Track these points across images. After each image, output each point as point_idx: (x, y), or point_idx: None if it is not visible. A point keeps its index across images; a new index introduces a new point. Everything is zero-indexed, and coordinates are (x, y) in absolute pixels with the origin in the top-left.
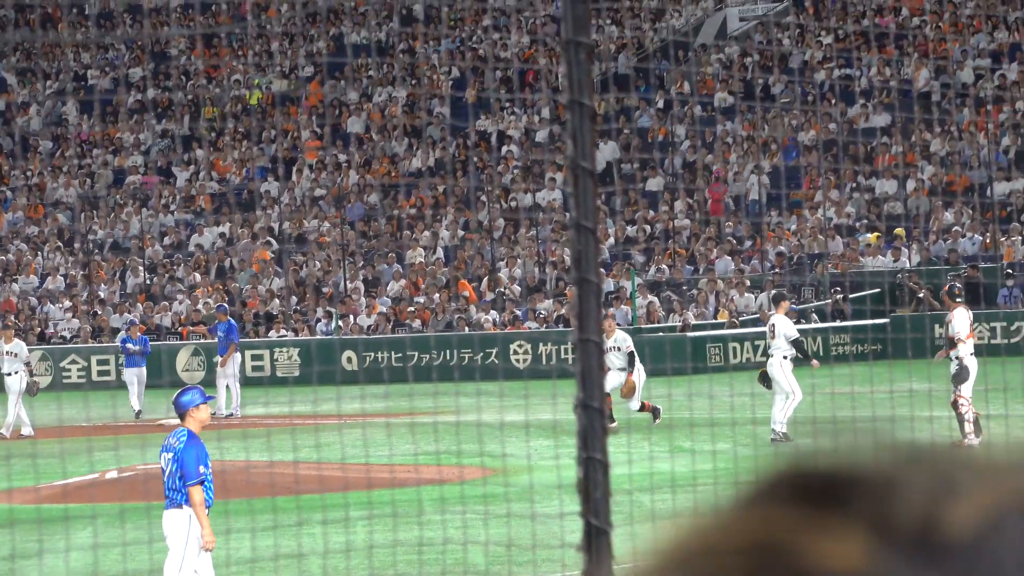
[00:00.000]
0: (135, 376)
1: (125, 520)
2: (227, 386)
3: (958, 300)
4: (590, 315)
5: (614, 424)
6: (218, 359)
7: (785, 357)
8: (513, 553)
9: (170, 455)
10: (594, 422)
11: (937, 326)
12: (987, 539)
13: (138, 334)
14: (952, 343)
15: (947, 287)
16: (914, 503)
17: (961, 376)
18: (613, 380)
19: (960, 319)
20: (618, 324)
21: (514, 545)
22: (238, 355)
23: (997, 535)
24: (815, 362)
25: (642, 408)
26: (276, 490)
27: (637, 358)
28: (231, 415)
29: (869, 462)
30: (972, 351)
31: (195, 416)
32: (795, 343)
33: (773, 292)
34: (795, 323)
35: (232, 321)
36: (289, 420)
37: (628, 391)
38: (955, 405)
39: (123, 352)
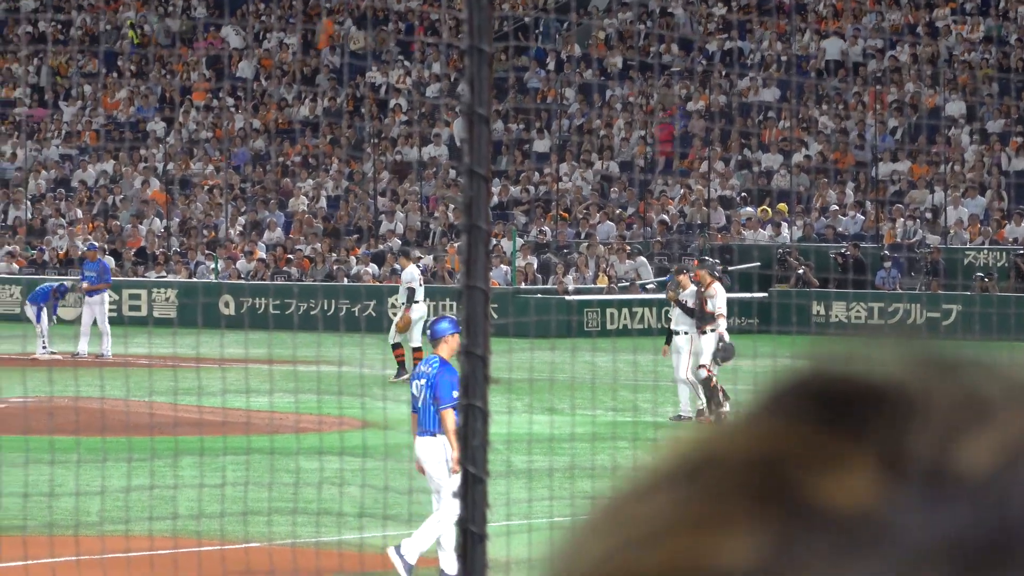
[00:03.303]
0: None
1: None
2: (95, 323)
3: (715, 275)
4: (478, 262)
5: (405, 375)
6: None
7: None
8: (390, 498)
9: (422, 382)
10: (476, 370)
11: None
12: (1005, 478)
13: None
14: (711, 318)
15: (697, 261)
16: (933, 431)
17: (728, 353)
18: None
19: (720, 295)
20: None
21: (390, 490)
22: (107, 295)
23: (1016, 474)
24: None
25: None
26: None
27: (418, 295)
28: (102, 355)
29: (894, 377)
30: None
31: (448, 343)
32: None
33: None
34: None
35: (104, 261)
36: (164, 362)
37: (404, 325)
38: (708, 381)
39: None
